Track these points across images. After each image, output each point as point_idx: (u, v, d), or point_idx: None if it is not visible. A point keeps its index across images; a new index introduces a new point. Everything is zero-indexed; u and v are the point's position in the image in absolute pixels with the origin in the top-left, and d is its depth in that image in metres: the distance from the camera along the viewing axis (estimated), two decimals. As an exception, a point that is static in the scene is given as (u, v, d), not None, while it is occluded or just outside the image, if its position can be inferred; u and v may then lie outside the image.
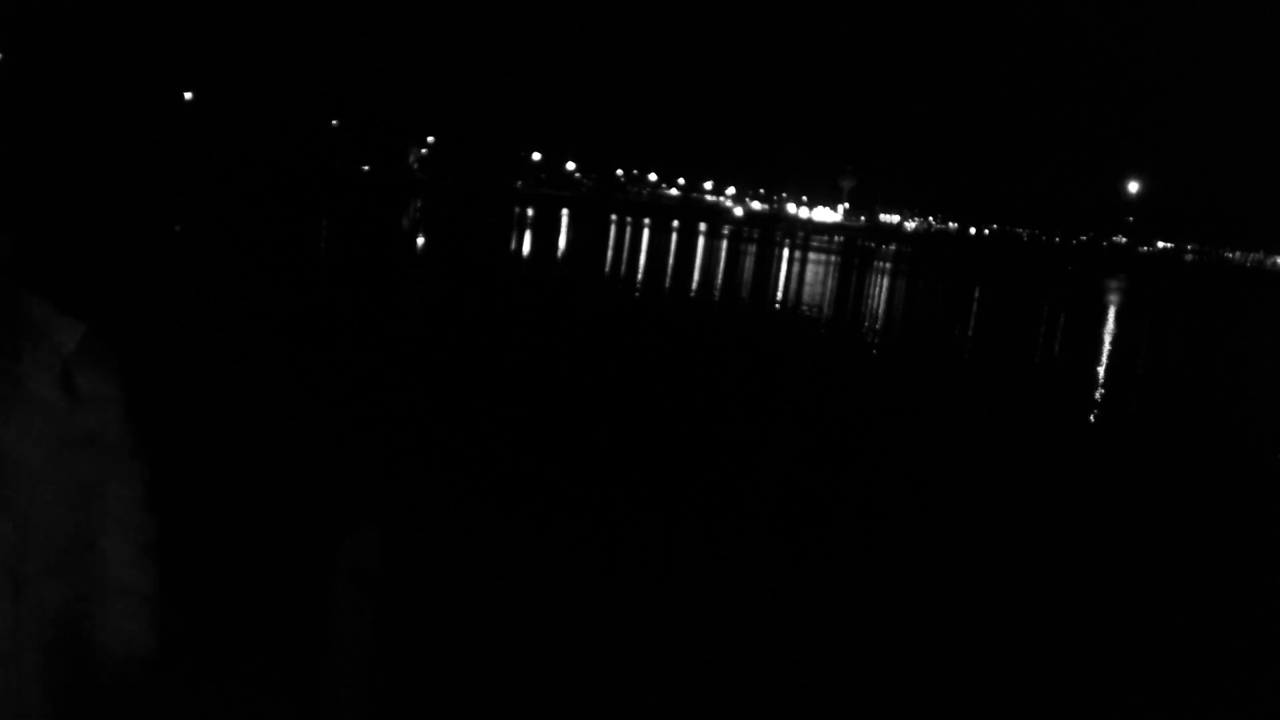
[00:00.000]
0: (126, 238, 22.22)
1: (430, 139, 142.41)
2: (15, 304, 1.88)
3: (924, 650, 5.54)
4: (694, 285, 32.12)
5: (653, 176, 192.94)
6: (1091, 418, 15.17)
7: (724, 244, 69.42)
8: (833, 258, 70.65)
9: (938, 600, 6.34)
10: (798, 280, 41.21)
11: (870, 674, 5.21)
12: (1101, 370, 21.60)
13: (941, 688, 5.15)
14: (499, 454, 8.30)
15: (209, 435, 7.20)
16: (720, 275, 38.98)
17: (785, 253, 67.85)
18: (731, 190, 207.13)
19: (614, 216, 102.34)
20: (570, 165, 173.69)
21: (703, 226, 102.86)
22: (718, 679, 4.86)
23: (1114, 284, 75.16)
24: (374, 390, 10.14)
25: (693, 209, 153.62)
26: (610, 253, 45.09)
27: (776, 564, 6.63)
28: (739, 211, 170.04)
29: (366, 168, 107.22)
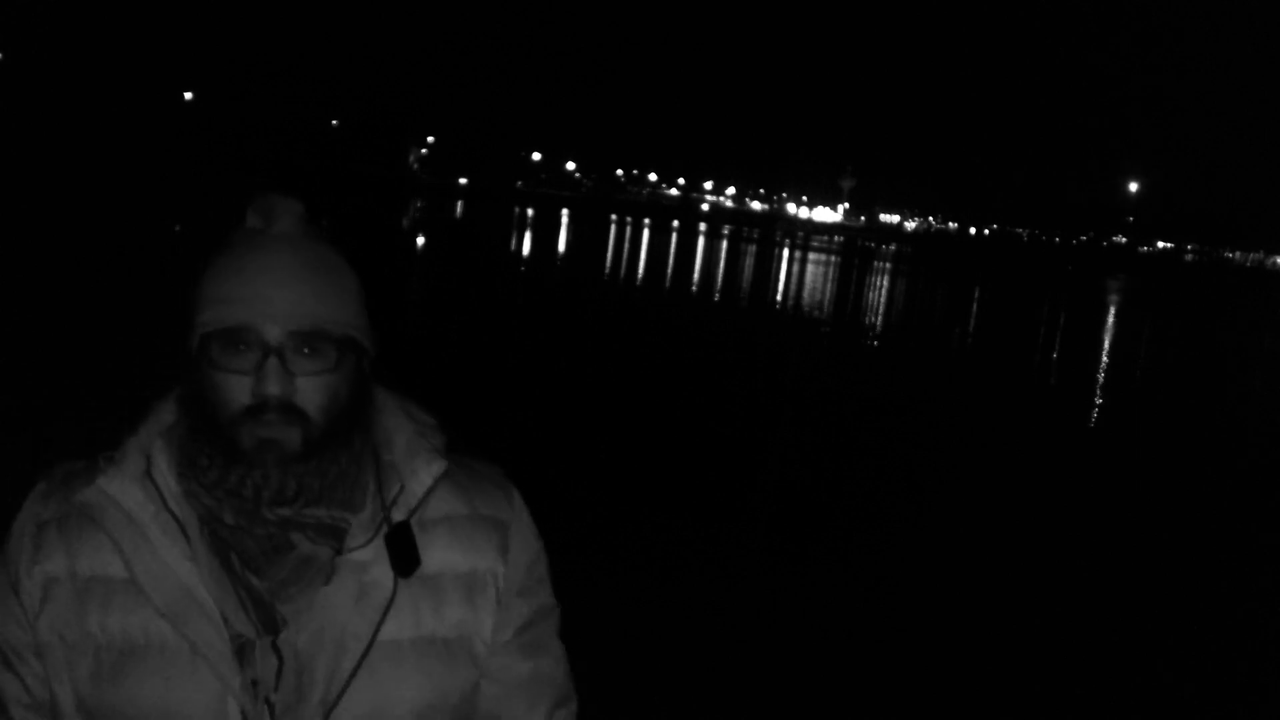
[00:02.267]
0: (127, 238, 22.21)
1: (430, 139, 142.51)
2: (361, 413, 1.26)
3: (924, 650, 5.54)
4: (693, 286, 32.13)
5: (653, 176, 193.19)
6: (1091, 418, 15.17)
7: (724, 244, 69.43)
8: (833, 258, 70.63)
9: (938, 600, 6.34)
10: (797, 280, 41.21)
11: (870, 674, 5.21)
12: (1101, 370, 21.60)
13: (942, 687, 5.15)
14: (498, 454, 8.30)
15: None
16: (720, 276, 38.97)
17: (785, 252, 67.84)
18: (731, 190, 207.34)
19: (614, 216, 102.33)
20: (570, 165, 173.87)
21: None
22: (717, 679, 4.86)
23: (1114, 284, 75.15)
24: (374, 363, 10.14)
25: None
26: (609, 253, 45.09)
27: (776, 564, 6.63)
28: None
29: (372, 169, 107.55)
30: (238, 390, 1.15)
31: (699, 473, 8.56)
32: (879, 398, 14.15)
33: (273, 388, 1.14)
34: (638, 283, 30.86)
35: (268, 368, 1.14)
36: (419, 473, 1.26)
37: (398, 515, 1.24)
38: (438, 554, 1.26)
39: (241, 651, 1.17)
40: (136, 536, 1.18)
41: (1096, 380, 19.69)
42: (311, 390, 1.17)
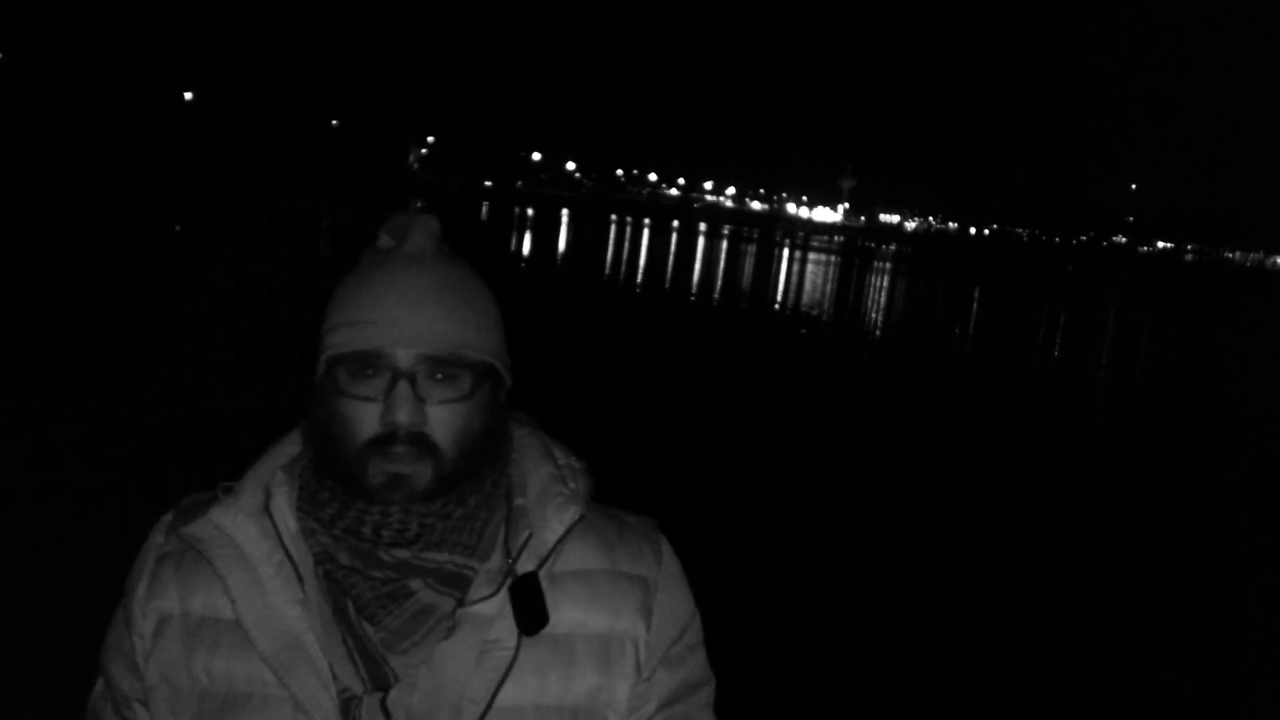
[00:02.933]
0: (127, 238, 22.21)
1: (430, 139, 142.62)
2: (496, 449, 1.17)
3: (924, 650, 5.54)
4: (692, 286, 32.13)
5: (653, 176, 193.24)
6: (1091, 418, 15.17)
7: (724, 244, 69.43)
8: (832, 258, 70.65)
9: (938, 600, 6.34)
10: (797, 280, 41.21)
11: (870, 674, 5.21)
12: (1101, 371, 21.60)
13: (942, 687, 5.15)
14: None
15: (216, 433, 7.20)
16: (719, 276, 38.97)
17: (785, 253, 67.85)
18: (731, 190, 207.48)
19: (614, 216, 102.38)
20: (570, 165, 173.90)
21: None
22: (717, 679, 4.86)
23: (1114, 284, 75.16)
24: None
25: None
26: (609, 253, 45.10)
27: (776, 564, 6.63)
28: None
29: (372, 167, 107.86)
30: (365, 419, 1.06)
31: (699, 473, 8.56)
32: (879, 398, 14.16)
33: (402, 416, 1.05)
34: (638, 283, 30.87)
35: (397, 394, 1.06)
36: (550, 520, 1.14)
37: (525, 566, 1.12)
38: (570, 612, 1.14)
39: (348, 707, 1.07)
40: (246, 575, 1.10)
41: (1096, 380, 19.69)
42: (444, 420, 1.08)
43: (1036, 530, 8.24)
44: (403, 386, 1.06)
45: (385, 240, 1.17)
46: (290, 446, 1.20)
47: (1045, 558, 7.51)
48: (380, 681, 1.08)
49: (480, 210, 74.35)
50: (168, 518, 1.20)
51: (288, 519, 1.13)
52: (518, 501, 1.16)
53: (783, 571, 6.47)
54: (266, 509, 1.13)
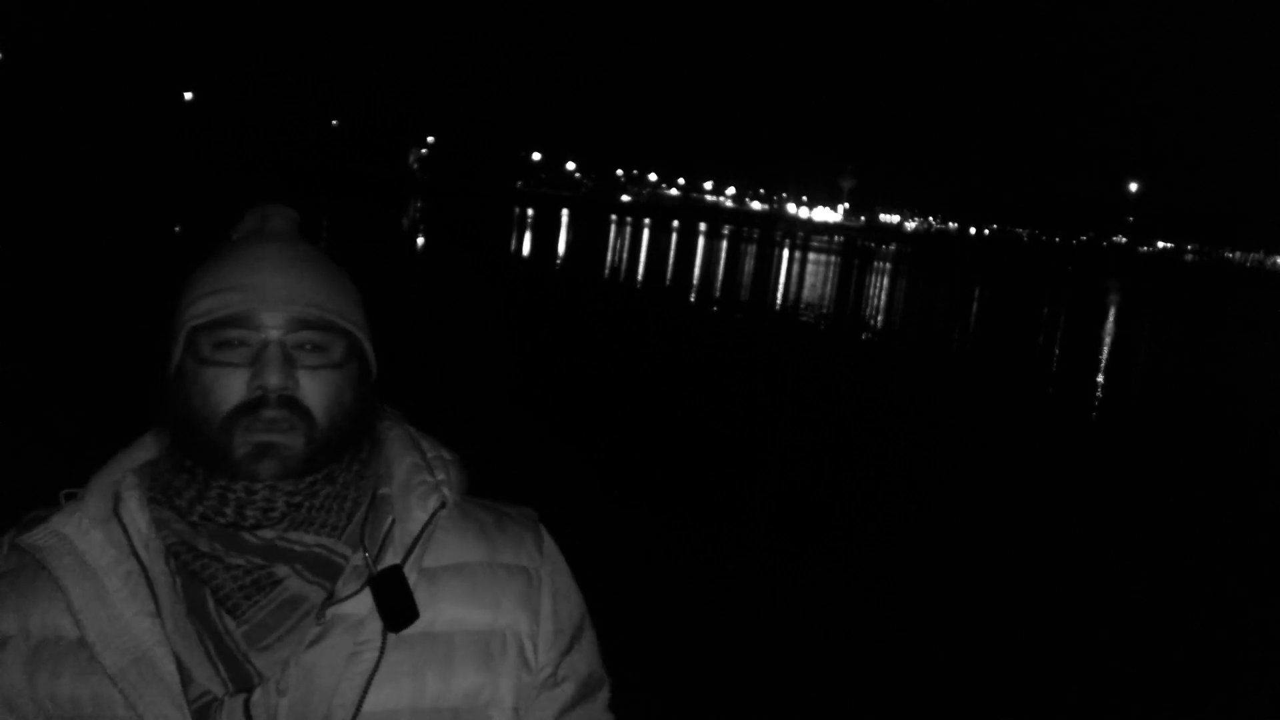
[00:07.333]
0: (127, 238, 22.21)
1: (430, 139, 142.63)
2: (363, 429, 1.11)
3: (924, 649, 5.54)
4: (692, 285, 32.12)
5: (653, 176, 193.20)
6: (1091, 418, 15.17)
7: (724, 244, 69.39)
8: (833, 258, 70.63)
9: (938, 600, 6.34)
10: (797, 280, 41.19)
11: (870, 674, 5.21)
12: (1101, 371, 21.59)
13: (942, 687, 5.14)
14: (497, 455, 8.29)
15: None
16: (719, 276, 38.95)
17: (785, 253, 67.84)
18: (732, 190, 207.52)
19: (614, 216, 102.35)
20: (570, 165, 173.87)
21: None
22: (718, 679, 4.86)
23: (1114, 284, 75.16)
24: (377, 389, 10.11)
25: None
26: (609, 252, 45.07)
27: (776, 564, 6.63)
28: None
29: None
30: (231, 386, 0.99)
31: (699, 473, 8.56)
32: (879, 398, 14.15)
33: (273, 378, 0.98)
34: (637, 283, 30.85)
35: (267, 355, 0.99)
36: (413, 510, 1.09)
37: (390, 560, 1.05)
38: (449, 609, 1.08)
39: (206, 713, 0.99)
40: (90, 586, 1.00)
41: (1096, 380, 19.69)
42: (315, 386, 1.01)
43: (1036, 530, 8.24)
44: (273, 348, 1.00)
45: (247, 225, 1.15)
46: (141, 451, 1.11)
47: (1045, 557, 7.51)
48: (243, 682, 0.99)
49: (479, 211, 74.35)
50: (10, 534, 1.09)
51: (139, 522, 1.04)
52: (382, 491, 1.11)
53: (783, 571, 6.47)
54: (116, 514, 1.04)
